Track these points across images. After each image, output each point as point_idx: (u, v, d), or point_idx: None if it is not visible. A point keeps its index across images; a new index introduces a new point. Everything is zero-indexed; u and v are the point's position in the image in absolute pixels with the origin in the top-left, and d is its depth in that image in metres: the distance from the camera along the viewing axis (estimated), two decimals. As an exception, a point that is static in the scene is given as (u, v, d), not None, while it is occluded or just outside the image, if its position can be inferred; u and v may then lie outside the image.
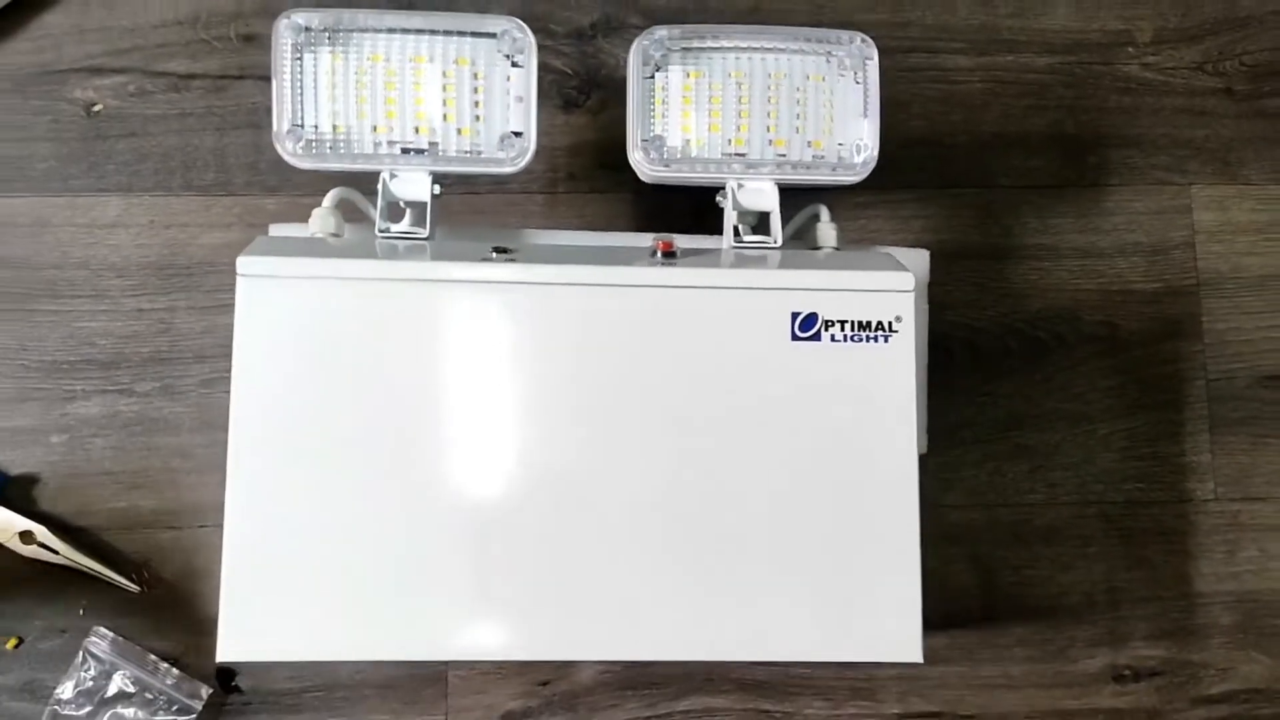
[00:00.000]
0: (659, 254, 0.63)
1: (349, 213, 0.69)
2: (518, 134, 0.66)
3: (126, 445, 0.79)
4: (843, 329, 0.61)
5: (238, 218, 0.82)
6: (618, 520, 0.59)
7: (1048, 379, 0.82)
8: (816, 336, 0.61)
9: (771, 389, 0.60)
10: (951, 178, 0.84)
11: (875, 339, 0.61)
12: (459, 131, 0.64)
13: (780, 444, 0.60)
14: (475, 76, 0.64)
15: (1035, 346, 0.83)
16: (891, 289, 0.61)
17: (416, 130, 0.64)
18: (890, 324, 0.61)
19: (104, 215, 0.81)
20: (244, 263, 0.59)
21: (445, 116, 0.64)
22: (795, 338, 0.60)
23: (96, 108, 0.82)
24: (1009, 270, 0.83)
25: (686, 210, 0.80)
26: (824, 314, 0.61)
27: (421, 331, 0.60)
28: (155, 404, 0.80)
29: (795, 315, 0.61)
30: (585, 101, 0.85)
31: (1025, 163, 0.84)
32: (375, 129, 0.63)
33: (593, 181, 0.83)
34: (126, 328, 0.80)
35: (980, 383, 0.82)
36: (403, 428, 0.59)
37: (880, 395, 0.61)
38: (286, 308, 0.59)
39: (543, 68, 0.80)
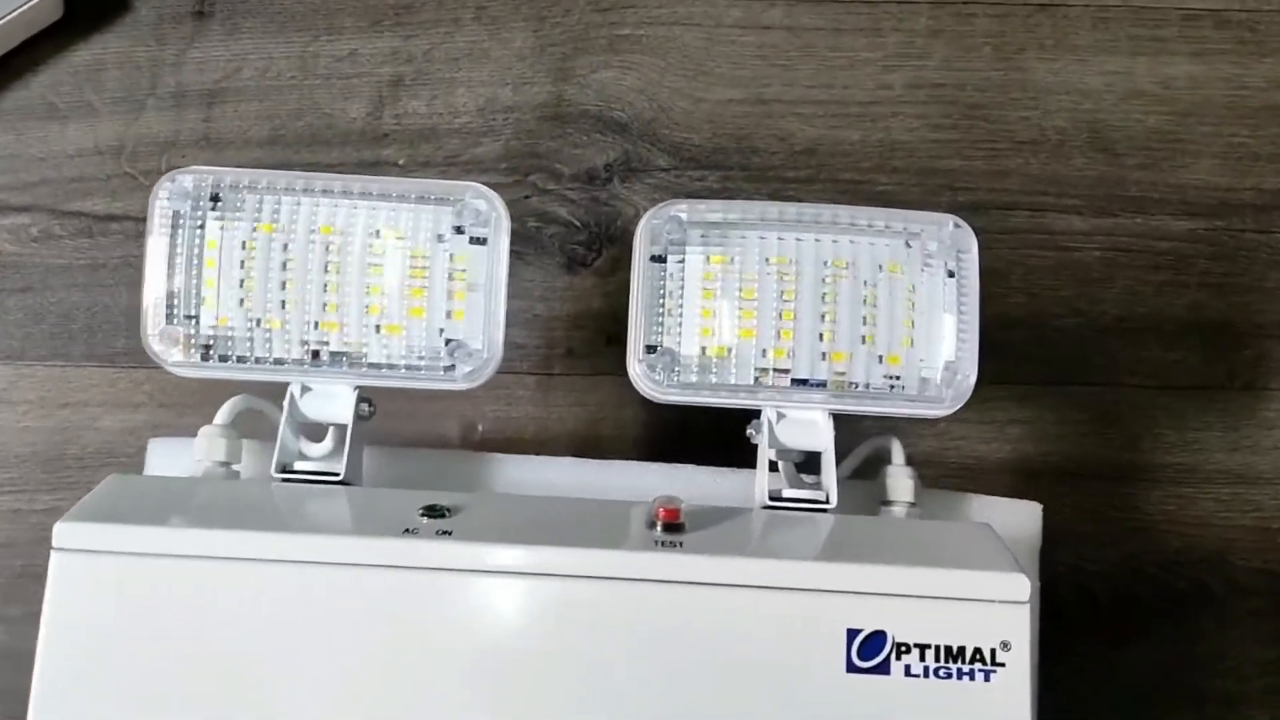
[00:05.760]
0: (658, 525, 0.45)
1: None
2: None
3: (-13, 686, 0.62)
4: (923, 658, 0.42)
5: (149, 396, 0.67)
6: None
7: (1190, 645, 0.66)
8: (883, 668, 0.42)
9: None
10: (1061, 371, 0.69)
11: (971, 675, 0.42)
12: (396, 331, 0.46)
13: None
14: (417, 257, 0.47)
15: (1173, 601, 0.67)
16: (996, 598, 0.43)
17: (340, 328, 0.47)
18: (993, 653, 0.42)
19: (-16, 389, 0.66)
20: (62, 531, 0.42)
21: (376, 310, 0.47)
22: (852, 668, 0.42)
23: (-11, 254, 0.68)
24: (1137, 497, 0.68)
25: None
26: (895, 633, 0.42)
27: (306, 635, 0.42)
28: (28, 634, 0.62)
29: (853, 634, 0.42)
30: (594, 260, 0.70)
31: (1158, 355, 0.69)
32: (282, 326, 0.46)
33: (596, 360, 0.69)
34: (-2, 534, 0.65)
35: (1100, 648, 0.66)
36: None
37: (978, 756, 0.41)
38: (112, 593, 0.42)
39: (544, 217, 0.69)
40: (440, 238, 0.46)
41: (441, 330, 0.46)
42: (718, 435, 0.57)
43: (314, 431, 0.52)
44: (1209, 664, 0.66)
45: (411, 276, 0.45)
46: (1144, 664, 0.66)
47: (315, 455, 0.51)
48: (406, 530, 0.43)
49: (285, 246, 0.45)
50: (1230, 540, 0.68)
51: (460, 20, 0.71)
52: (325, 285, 0.45)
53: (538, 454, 0.66)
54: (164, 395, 0.66)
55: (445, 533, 0.43)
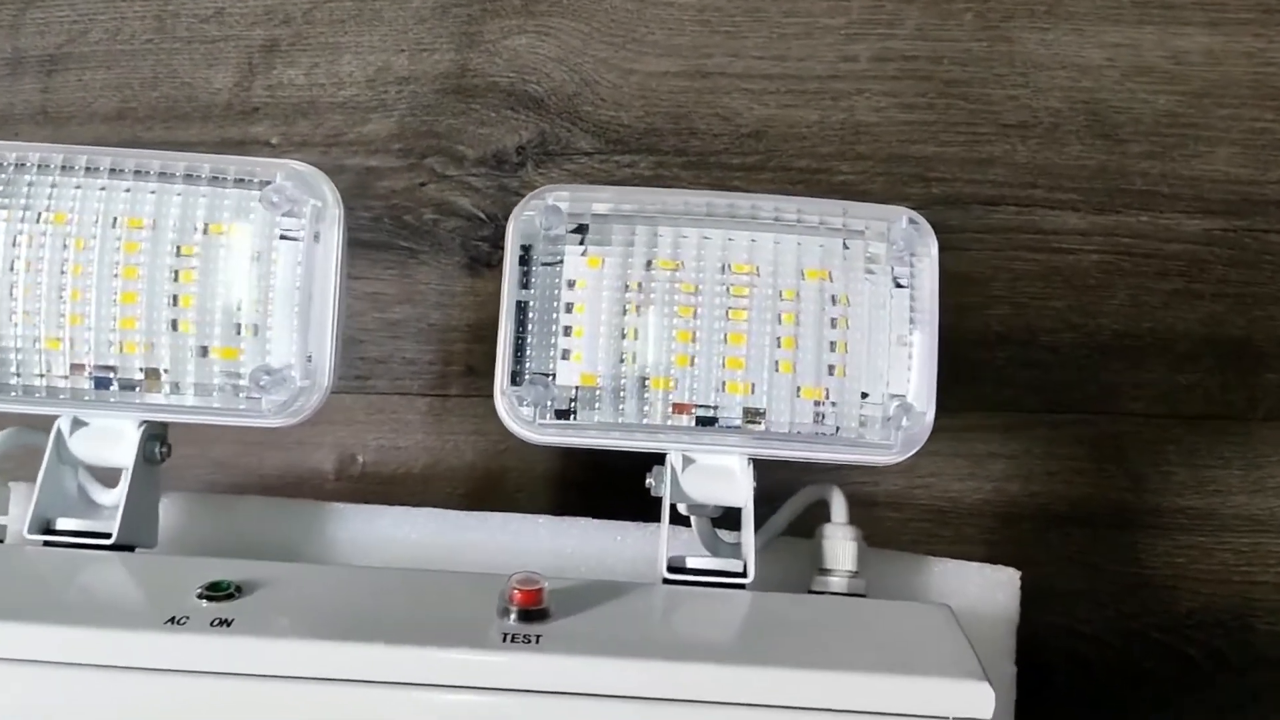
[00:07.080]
0: (512, 613, 0.35)
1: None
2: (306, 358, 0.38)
3: None
4: (856, 796, 0.32)
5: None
6: None
7: (1203, 723, 0.60)
8: (803, 813, 0.32)
9: None
10: (1052, 397, 0.65)
11: (919, 820, 0.32)
12: (132, 350, 0.37)
13: None
14: (186, 255, 0.37)
15: (1184, 669, 0.64)
16: (951, 714, 0.34)
17: (119, 348, 0.37)
18: (949, 790, 0.32)
19: None
20: None
21: (172, 325, 0.37)
22: (762, 810, 0.32)
23: None
24: (1141, 547, 0.64)
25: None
26: (820, 763, 0.33)
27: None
28: None
29: (765, 764, 0.33)
30: (501, 260, 0.61)
31: (1167, 379, 0.65)
32: (19, 344, 0.37)
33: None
34: None
35: (1094, 725, 0.61)
36: None
37: None
38: None
39: (443, 208, 0.63)
40: (205, 229, 0.35)
41: (210, 349, 0.36)
42: (645, 473, 0.48)
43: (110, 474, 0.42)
44: (1225, 745, 0.62)
45: (181, 281, 0.35)
46: (1149, 744, 0.62)
47: (108, 504, 0.41)
48: (172, 620, 0.33)
49: (21, 241, 0.35)
50: (1251, 599, 0.64)
51: (348, -25, 0.62)
52: (62, 291, 0.35)
53: (426, 491, 0.58)
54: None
55: (223, 622, 0.33)
